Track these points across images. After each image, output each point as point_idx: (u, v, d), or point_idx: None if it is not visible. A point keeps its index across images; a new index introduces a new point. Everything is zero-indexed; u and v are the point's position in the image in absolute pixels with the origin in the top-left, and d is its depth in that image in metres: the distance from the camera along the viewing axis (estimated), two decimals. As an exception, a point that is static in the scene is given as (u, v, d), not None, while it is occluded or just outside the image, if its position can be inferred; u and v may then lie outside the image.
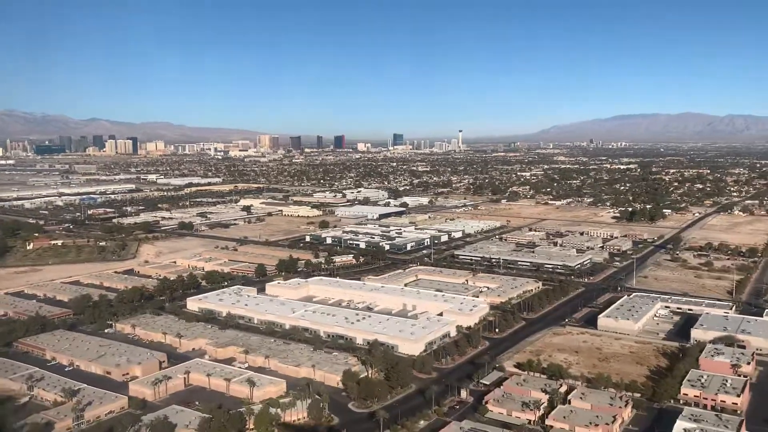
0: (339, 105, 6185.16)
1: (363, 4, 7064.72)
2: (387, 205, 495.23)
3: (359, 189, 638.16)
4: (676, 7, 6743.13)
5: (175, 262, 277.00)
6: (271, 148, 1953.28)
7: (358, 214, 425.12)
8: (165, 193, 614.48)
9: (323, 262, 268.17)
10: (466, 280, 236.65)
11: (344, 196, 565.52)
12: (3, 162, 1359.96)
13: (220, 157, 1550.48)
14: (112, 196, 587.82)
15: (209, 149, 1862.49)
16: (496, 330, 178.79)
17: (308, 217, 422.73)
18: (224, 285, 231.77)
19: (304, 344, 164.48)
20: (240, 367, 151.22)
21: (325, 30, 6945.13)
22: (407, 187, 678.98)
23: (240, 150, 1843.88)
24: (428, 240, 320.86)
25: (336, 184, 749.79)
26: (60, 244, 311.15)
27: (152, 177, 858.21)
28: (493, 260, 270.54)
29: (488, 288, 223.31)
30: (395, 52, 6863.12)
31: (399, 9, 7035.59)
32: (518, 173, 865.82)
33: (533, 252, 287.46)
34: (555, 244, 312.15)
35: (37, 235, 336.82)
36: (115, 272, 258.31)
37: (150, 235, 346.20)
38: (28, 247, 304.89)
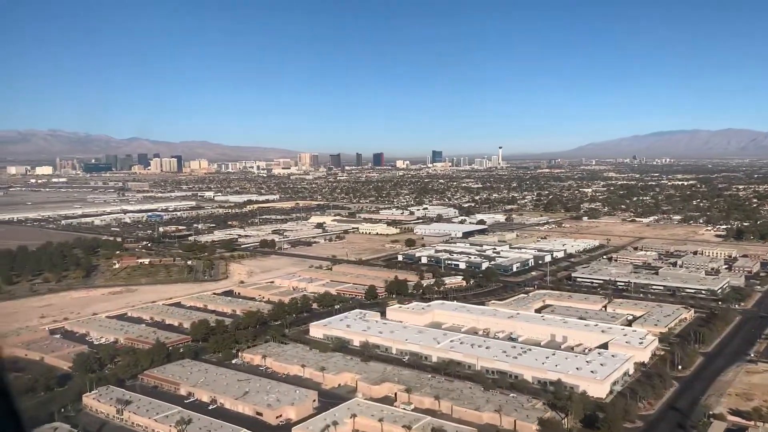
0: (375, 123, 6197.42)
1: (401, 26, 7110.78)
2: (462, 222, 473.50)
3: (424, 206, 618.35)
4: (716, 21, 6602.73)
5: (273, 282, 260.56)
6: (311, 166, 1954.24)
7: (440, 232, 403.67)
8: (228, 210, 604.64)
9: (433, 283, 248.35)
10: (604, 307, 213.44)
11: (412, 213, 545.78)
12: (55, 180, 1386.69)
13: (264, 175, 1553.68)
14: (177, 213, 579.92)
15: (252, 167, 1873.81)
16: (679, 367, 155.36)
17: (388, 235, 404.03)
18: (337, 309, 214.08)
19: (469, 382, 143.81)
20: (405, 409, 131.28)
21: (362, 49, 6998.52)
22: (471, 204, 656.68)
23: (283, 168, 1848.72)
24: (531, 260, 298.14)
25: (395, 200, 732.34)
26: (147, 262, 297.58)
27: (209, 194, 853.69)
28: (619, 283, 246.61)
29: (633, 316, 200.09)
30: (432, 71, 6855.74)
31: (434, 28, 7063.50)
32: (580, 189, 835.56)
33: (657, 273, 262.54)
34: (674, 264, 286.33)
35: (118, 252, 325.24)
36: (215, 293, 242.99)
37: (234, 253, 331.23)
38: (115, 266, 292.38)
